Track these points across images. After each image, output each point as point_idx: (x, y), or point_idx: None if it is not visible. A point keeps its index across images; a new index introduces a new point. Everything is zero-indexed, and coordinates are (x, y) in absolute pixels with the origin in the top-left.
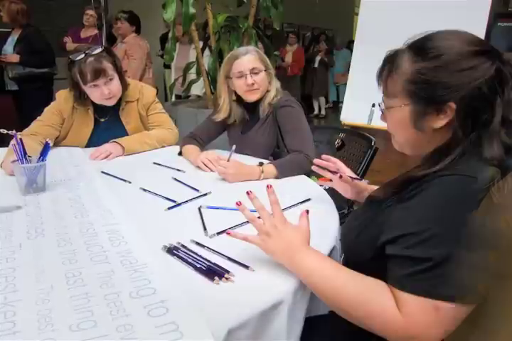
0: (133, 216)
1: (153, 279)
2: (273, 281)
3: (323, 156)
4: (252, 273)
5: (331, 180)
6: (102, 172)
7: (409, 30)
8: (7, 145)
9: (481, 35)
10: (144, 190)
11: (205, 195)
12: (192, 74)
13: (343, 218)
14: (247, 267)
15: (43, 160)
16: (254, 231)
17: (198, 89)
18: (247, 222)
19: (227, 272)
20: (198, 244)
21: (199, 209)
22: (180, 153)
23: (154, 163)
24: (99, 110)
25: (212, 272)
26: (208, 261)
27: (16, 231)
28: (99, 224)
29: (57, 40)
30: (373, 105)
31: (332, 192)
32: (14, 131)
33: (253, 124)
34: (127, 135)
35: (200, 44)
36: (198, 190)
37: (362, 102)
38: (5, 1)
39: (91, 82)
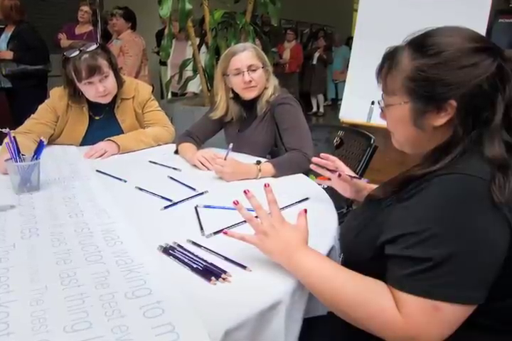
0: (128, 215)
1: (149, 279)
2: (271, 281)
3: (322, 155)
4: (250, 274)
5: (329, 179)
6: (97, 170)
7: (409, 27)
8: (0, 144)
9: (482, 31)
10: (140, 188)
11: (201, 194)
12: (188, 72)
13: (342, 217)
14: (244, 267)
15: (36, 158)
16: (251, 231)
17: (194, 86)
18: (245, 221)
19: (224, 272)
20: (194, 243)
21: (195, 208)
22: (176, 152)
23: (150, 161)
24: (94, 108)
25: (209, 272)
26: (205, 261)
27: (10, 230)
28: (94, 223)
29: (52, 36)
30: (372, 103)
31: (331, 191)
32: (8, 129)
33: (250, 122)
34: (122, 133)
35: (197, 41)
36: (194, 189)
37: (361, 100)
38: None
39: (86, 79)
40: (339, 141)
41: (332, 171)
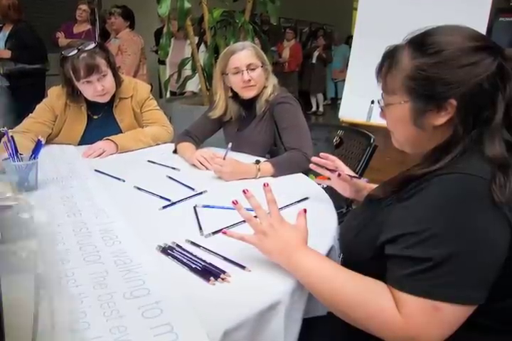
0: (127, 215)
1: (148, 279)
2: (270, 281)
3: (322, 154)
4: (249, 274)
5: (329, 179)
6: (96, 170)
7: (409, 26)
8: None
9: (482, 30)
10: (138, 188)
11: (200, 193)
12: (187, 71)
13: (341, 217)
14: (243, 267)
15: (34, 158)
16: (250, 231)
17: (193, 85)
18: (244, 221)
19: (223, 272)
20: (193, 243)
21: (194, 208)
22: (175, 151)
23: (148, 161)
24: (92, 107)
25: (208, 272)
26: (204, 261)
27: None
28: (92, 223)
29: (50, 35)
30: (372, 102)
31: (330, 190)
32: (5, 128)
33: (250, 121)
34: (121, 132)
35: (196, 39)
36: (193, 189)
37: (361, 99)
38: None
39: (84, 79)
40: (339, 141)
41: (332, 171)
